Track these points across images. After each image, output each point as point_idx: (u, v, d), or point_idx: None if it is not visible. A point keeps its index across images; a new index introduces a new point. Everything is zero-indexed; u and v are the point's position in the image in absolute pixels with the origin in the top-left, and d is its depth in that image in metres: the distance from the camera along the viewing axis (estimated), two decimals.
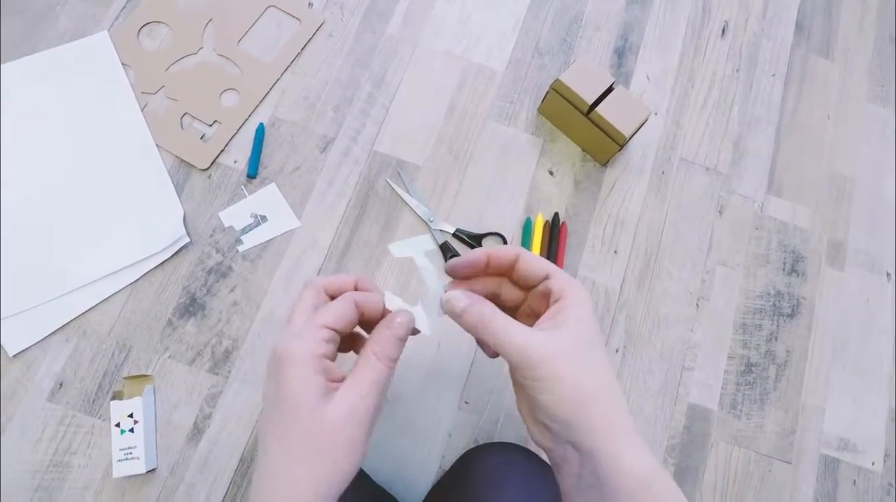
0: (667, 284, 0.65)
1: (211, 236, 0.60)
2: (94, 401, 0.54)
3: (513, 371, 0.32)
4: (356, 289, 0.34)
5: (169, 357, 0.56)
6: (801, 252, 0.68)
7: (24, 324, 0.55)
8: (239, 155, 0.63)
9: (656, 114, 0.71)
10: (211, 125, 0.63)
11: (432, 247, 0.62)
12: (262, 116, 0.64)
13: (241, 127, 0.64)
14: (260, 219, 0.62)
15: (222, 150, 0.63)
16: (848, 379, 0.65)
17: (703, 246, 0.67)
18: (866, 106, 0.76)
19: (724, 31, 0.76)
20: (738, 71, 0.74)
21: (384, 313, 0.34)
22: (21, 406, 0.54)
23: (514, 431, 0.58)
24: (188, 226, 0.60)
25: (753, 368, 0.64)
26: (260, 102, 0.65)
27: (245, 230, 0.61)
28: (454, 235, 0.63)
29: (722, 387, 0.63)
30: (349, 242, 0.62)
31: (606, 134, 0.62)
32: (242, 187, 0.62)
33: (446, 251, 0.62)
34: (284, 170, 0.63)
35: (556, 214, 0.65)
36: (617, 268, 0.65)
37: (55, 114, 0.61)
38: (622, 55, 0.73)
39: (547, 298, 0.34)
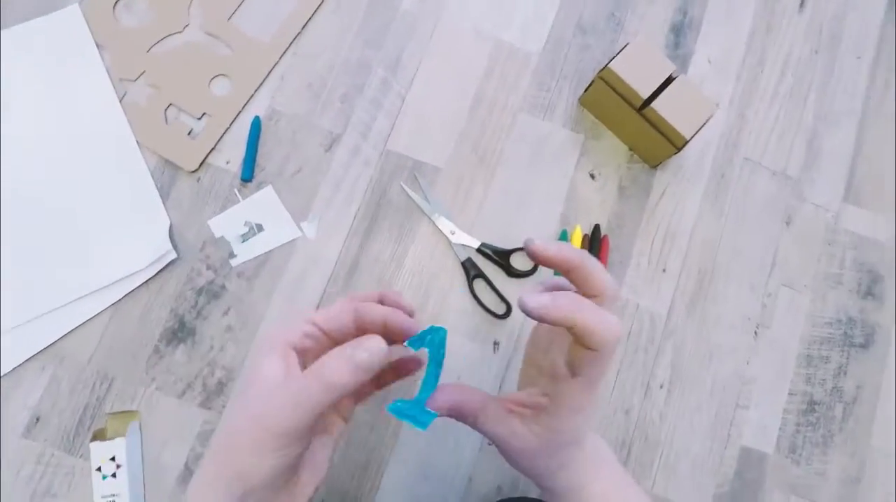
0: (722, 309, 0.57)
1: (201, 250, 0.53)
2: (74, 439, 0.49)
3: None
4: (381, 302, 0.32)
5: (156, 389, 0.50)
6: (878, 271, 0.59)
7: None
8: (232, 154, 0.55)
9: (717, 105, 0.60)
10: (199, 118, 0.55)
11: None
12: (257, 108, 0.56)
13: (234, 120, 0.55)
14: (255, 228, 0.54)
15: (213, 149, 0.54)
16: None
17: (766, 264, 0.58)
18: None
19: (802, 2, 0.64)
20: (816, 52, 0.63)
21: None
22: None
23: None
24: (175, 238, 0.52)
25: (817, 407, 0.56)
26: (255, 91, 0.56)
27: (238, 241, 0.53)
28: (479, 251, 0.54)
29: (780, 429, 0.55)
30: (357, 258, 0.54)
31: (663, 134, 0.52)
32: (236, 191, 0.54)
33: (469, 270, 0.54)
34: (284, 172, 0.55)
35: (597, 226, 0.56)
36: (665, 289, 0.56)
37: (18, 107, 0.53)
38: (680, 33, 0.61)
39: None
